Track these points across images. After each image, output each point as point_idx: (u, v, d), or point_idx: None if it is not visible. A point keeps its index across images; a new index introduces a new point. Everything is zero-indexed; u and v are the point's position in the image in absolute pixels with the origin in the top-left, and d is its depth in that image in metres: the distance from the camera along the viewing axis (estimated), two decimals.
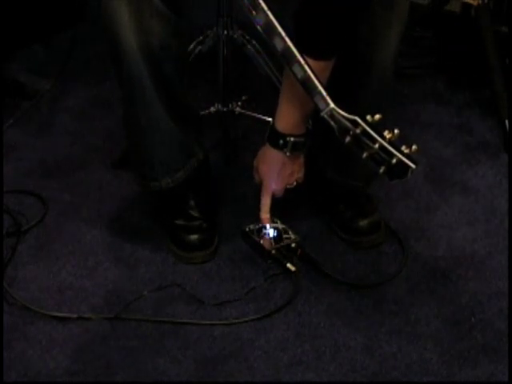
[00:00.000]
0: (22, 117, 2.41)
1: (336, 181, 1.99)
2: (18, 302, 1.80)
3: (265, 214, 1.90)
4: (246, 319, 1.78)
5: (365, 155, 1.60)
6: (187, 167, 1.94)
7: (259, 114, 2.26)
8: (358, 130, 1.59)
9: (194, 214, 1.96)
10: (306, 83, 1.64)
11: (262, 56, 2.21)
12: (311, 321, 1.79)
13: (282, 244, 1.92)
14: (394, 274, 1.90)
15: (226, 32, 2.15)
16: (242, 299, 1.83)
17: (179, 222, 1.96)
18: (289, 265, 1.87)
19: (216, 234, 1.98)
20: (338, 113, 1.62)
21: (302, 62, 1.63)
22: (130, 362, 1.69)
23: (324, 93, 1.63)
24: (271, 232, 1.94)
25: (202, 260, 1.93)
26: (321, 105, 1.64)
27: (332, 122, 1.63)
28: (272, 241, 1.93)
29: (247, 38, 2.20)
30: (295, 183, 1.89)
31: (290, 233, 1.95)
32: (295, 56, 1.63)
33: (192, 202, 1.98)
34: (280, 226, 1.96)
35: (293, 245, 1.92)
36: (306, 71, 1.63)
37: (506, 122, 2.36)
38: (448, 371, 1.68)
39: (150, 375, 1.67)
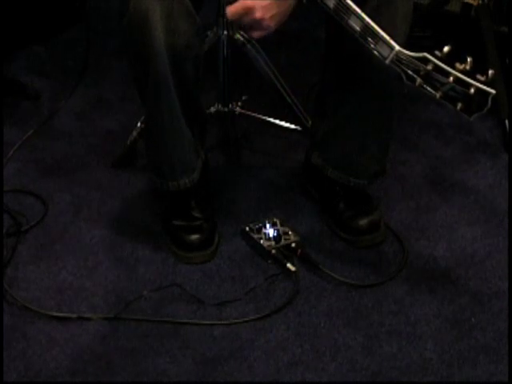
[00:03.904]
0: (22, 117, 2.41)
1: (338, 179, 1.99)
2: (17, 302, 1.80)
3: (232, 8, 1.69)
4: (246, 319, 1.78)
5: (439, 95, 1.55)
6: (198, 167, 1.94)
7: (259, 114, 2.26)
8: (429, 67, 1.54)
9: (195, 214, 1.96)
10: (366, 33, 1.60)
11: (261, 56, 2.21)
12: (311, 321, 1.79)
13: (282, 244, 1.92)
14: (394, 273, 1.90)
15: (225, 32, 2.15)
16: (242, 299, 1.83)
17: (179, 222, 1.96)
18: (289, 265, 1.88)
19: (216, 234, 1.98)
20: (405, 54, 1.57)
21: (359, 11, 1.60)
22: (130, 362, 1.69)
23: (387, 37, 1.58)
24: (271, 232, 1.94)
25: (202, 260, 1.93)
26: (384, 52, 1.59)
27: (399, 68, 1.58)
28: (272, 241, 1.93)
29: (247, 37, 2.20)
30: (272, 27, 1.71)
31: (290, 233, 1.95)
32: (350, 7, 1.60)
33: (193, 203, 1.98)
34: (280, 225, 1.97)
35: (293, 245, 1.92)
36: (363, 19, 1.59)
37: (506, 121, 2.36)
38: (448, 371, 1.68)
39: (150, 375, 1.67)
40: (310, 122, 2.21)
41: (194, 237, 1.94)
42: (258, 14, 1.67)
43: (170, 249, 1.95)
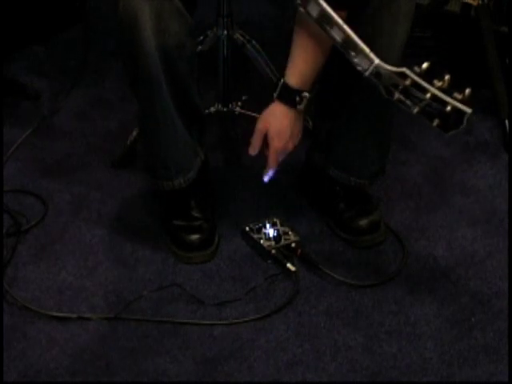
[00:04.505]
0: (22, 117, 2.41)
1: (339, 179, 1.99)
2: (17, 302, 1.80)
3: (271, 173, 1.89)
4: (246, 319, 1.78)
5: (416, 110, 1.55)
6: (196, 167, 1.94)
7: (259, 114, 2.26)
8: (407, 82, 1.54)
9: (195, 214, 1.96)
10: (347, 44, 1.60)
11: (261, 56, 2.21)
12: (311, 321, 1.79)
13: (282, 244, 1.92)
14: (394, 273, 1.90)
15: (225, 32, 2.15)
16: (242, 299, 1.83)
17: (179, 222, 1.96)
18: (289, 265, 1.87)
19: (216, 234, 1.98)
20: (384, 68, 1.57)
21: (341, 22, 1.60)
22: (130, 362, 1.69)
23: (367, 50, 1.59)
24: (271, 232, 1.94)
25: (202, 260, 1.93)
26: (364, 64, 1.59)
27: (378, 81, 1.59)
28: (272, 241, 1.93)
29: (247, 38, 2.20)
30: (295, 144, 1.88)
31: (290, 233, 1.95)
32: (333, 18, 1.60)
33: (192, 203, 1.98)
34: (280, 225, 1.96)
35: (293, 245, 1.92)
36: (345, 31, 1.60)
37: (506, 121, 2.36)
38: (448, 371, 1.68)
39: (150, 375, 1.67)
40: (310, 123, 2.21)
41: (194, 237, 1.94)
42: (290, 147, 1.85)
43: (170, 249, 1.95)
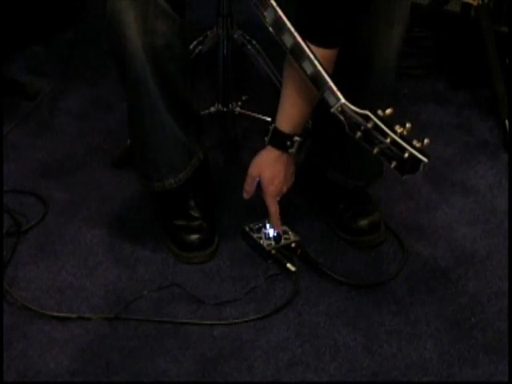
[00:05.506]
0: (22, 117, 2.41)
1: (336, 180, 2.00)
2: (17, 302, 1.80)
3: (278, 221, 1.91)
4: (246, 319, 1.78)
5: (376, 150, 1.58)
6: (189, 167, 1.94)
7: (259, 114, 2.26)
8: (369, 125, 1.57)
9: (194, 214, 1.96)
10: (316, 79, 1.63)
11: (261, 56, 2.21)
12: (311, 321, 1.79)
13: (282, 244, 1.92)
14: (394, 274, 1.90)
15: (225, 32, 2.15)
16: (241, 299, 1.83)
17: (179, 222, 1.96)
18: (289, 265, 1.88)
19: (216, 234, 1.98)
20: (349, 108, 1.60)
21: (312, 57, 1.63)
22: (130, 362, 1.69)
23: (334, 88, 1.62)
24: (271, 232, 1.94)
25: (202, 260, 1.93)
26: (331, 100, 1.62)
27: (342, 118, 1.61)
28: (272, 241, 1.93)
29: (247, 38, 2.20)
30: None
31: (290, 233, 1.95)
32: (305, 51, 1.63)
33: (192, 202, 1.98)
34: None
35: (293, 245, 1.92)
36: (315, 66, 1.62)
37: (506, 121, 2.36)
38: (448, 371, 1.68)
39: (150, 375, 1.67)
40: (309, 123, 2.21)
41: (194, 237, 1.94)
42: (284, 190, 1.88)
43: (170, 249, 1.95)
